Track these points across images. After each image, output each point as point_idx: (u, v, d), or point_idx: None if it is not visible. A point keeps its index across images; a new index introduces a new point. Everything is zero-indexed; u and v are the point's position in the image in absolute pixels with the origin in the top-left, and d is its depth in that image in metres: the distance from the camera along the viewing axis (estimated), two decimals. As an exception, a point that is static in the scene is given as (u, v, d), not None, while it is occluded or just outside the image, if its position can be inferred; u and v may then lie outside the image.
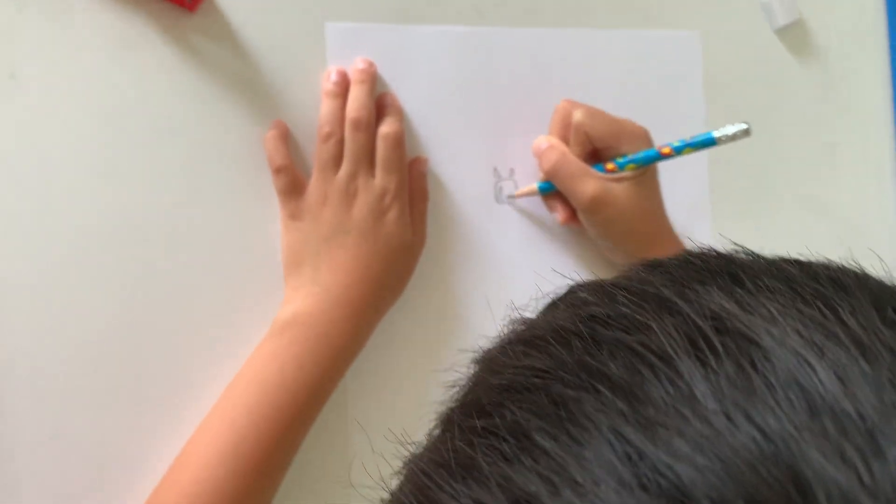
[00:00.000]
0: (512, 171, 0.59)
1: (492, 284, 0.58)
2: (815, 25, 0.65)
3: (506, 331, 0.29)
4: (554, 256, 0.59)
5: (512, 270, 0.58)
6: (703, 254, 0.28)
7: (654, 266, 0.28)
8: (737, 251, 0.27)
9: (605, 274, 0.59)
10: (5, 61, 0.51)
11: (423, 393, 0.51)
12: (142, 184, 0.53)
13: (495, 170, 0.59)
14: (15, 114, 0.52)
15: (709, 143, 0.51)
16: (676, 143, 0.53)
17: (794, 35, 0.64)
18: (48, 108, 0.52)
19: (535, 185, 0.57)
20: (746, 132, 0.50)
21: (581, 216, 0.56)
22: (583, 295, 0.28)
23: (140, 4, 0.53)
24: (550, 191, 0.57)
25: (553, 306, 0.29)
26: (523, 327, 0.28)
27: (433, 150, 0.57)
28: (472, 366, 0.28)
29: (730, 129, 0.50)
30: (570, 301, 0.28)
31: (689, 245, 0.55)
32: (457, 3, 0.57)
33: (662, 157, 0.53)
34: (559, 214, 0.57)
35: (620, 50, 0.60)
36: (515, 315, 0.29)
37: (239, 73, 0.54)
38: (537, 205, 0.59)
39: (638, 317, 0.24)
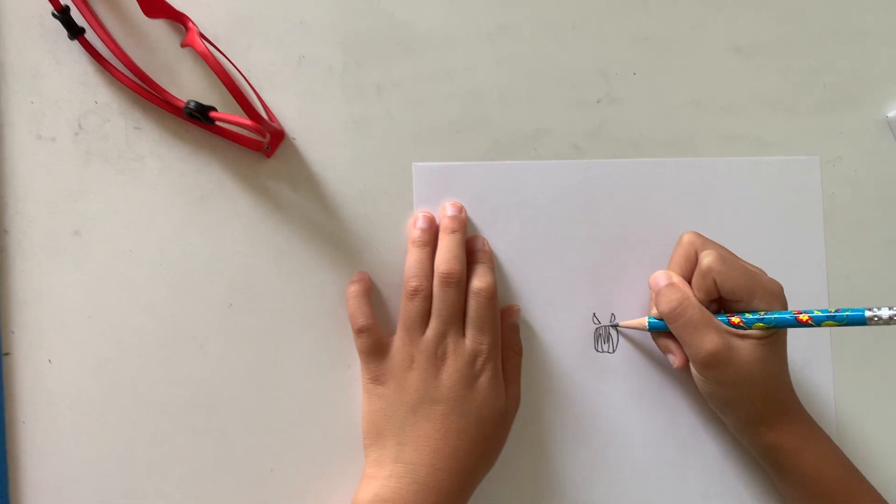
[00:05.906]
0: (613, 317, 0.53)
1: (594, 445, 0.52)
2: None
3: None
4: (663, 411, 0.53)
5: (616, 427, 0.52)
6: None
7: None
8: None
9: (718, 429, 0.53)
10: (70, 217, 0.48)
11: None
12: (215, 350, 0.49)
13: (594, 315, 0.53)
14: (79, 275, 0.48)
15: (857, 322, 0.43)
16: (818, 313, 0.45)
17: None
18: (115, 268, 0.48)
19: (645, 320, 0.51)
20: None
21: (694, 370, 0.49)
22: None
23: (215, 152, 0.49)
24: (662, 329, 0.50)
25: None
26: None
27: (526, 296, 0.52)
28: None
29: (885, 312, 0.42)
30: None
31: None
32: (552, 142, 0.52)
33: (799, 324, 0.46)
34: (675, 358, 0.50)
35: (734, 178, 0.54)
36: None
37: (319, 220, 0.50)
38: (644, 353, 0.53)
39: None
